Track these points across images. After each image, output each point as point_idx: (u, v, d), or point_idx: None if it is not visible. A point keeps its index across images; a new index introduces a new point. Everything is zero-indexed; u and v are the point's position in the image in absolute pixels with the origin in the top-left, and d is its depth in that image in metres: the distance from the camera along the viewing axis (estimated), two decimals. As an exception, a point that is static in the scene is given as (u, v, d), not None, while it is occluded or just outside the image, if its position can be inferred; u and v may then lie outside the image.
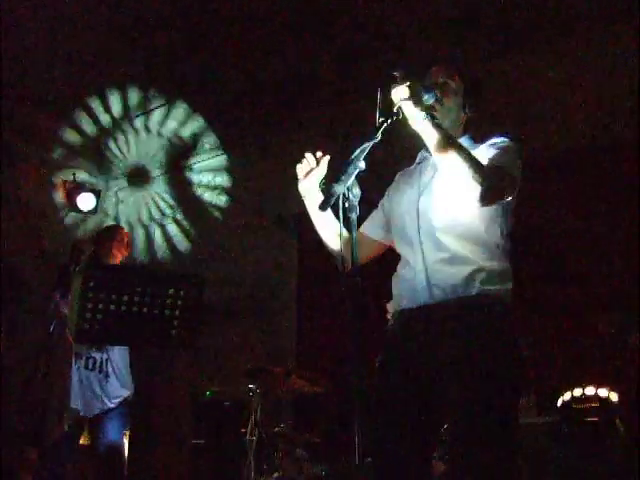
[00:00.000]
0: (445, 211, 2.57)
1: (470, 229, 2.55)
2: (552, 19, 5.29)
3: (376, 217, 2.93)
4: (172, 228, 6.74)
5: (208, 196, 6.82)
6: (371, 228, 2.92)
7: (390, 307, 2.70)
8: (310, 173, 2.79)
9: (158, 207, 6.69)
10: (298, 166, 2.83)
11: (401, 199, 2.76)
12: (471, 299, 2.47)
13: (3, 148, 6.23)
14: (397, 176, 2.94)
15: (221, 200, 6.73)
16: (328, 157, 2.78)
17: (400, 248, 2.74)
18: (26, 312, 5.93)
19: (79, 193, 6.98)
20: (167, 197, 6.75)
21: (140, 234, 6.87)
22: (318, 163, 2.78)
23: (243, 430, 4.92)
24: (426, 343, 2.49)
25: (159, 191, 6.78)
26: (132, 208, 6.93)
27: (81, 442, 4.47)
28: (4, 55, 5.45)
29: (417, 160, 2.85)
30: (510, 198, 2.58)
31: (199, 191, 6.76)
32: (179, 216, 6.55)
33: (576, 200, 5.14)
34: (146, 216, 6.80)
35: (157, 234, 6.84)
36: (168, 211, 6.48)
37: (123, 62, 5.78)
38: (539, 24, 5.34)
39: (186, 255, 6.90)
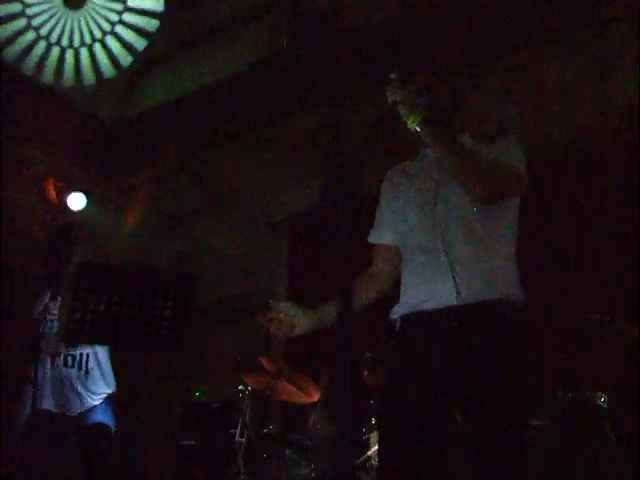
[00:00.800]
0: (464, 212, 2.56)
1: (492, 229, 2.56)
2: (552, 19, 5.31)
3: (384, 222, 2.86)
4: (113, 44, 5.97)
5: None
6: (384, 235, 2.85)
7: (397, 310, 2.67)
8: (285, 321, 2.76)
9: (97, 23, 5.91)
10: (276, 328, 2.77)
11: (409, 200, 2.72)
12: (494, 304, 2.47)
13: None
14: (391, 174, 2.89)
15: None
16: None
17: (409, 250, 2.70)
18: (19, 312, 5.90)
19: (69, 193, 6.98)
20: (106, 12, 5.89)
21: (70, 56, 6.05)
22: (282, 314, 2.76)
23: (232, 431, 4.92)
24: (449, 345, 2.47)
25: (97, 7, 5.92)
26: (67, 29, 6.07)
27: None
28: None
29: (420, 156, 2.81)
30: (517, 192, 2.60)
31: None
32: (120, 29, 5.85)
33: (575, 202, 5.13)
34: (87, 35, 6.01)
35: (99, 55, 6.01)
36: (107, 25, 5.81)
37: None
38: (539, 24, 5.36)
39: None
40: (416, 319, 2.58)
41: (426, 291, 2.56)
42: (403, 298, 2.67)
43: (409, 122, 2.49)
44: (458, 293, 2.48)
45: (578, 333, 4.53)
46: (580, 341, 4.71)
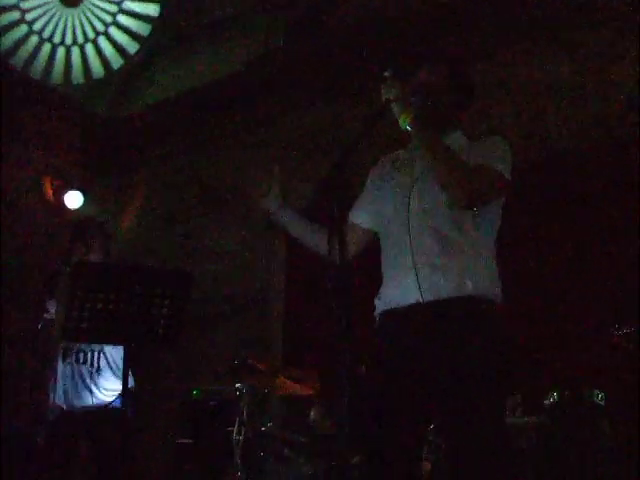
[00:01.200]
0: (436, 212, 2.58)
1: (462, 230, 2.57)
2: (550, 16, 5.31)
3: (363, 204, 2.89)
4: (105, 45, 5.80)
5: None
6: (360, 216, 2.88)
7: (378, 305, 2.70)
8: (271, 192, 2.84)
9: (91, 23, 5.75)
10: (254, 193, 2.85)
11: (390, 192, 2.74)
12: (462, 300, 2.49)
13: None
14: (383, 161, 2.91)
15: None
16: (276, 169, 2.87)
17: (385, 243, 2.74)
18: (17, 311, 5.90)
19: (66, 191, 6.99)
20: (100, 12, 5.70)
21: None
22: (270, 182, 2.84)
23: (230, 429, 4.91)
24: (417, 343, 2.50)
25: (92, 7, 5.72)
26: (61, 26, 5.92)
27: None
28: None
29: (409, 148, 2.82)
30: (498, 198, 2.60)
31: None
32: (113, 31, 5.67)
33: (571, 200, 5.12)
34: (80, 35, 5.83)
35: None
36: (100, 26, 5.64)
37: None
38: (537, 21, 5.37)
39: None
40: (390, 316, 2.63)
41: (396, 287, 2.61)
42: (382, 292, 2.71)
43: (400, 121, 2.50)
44: (420, 290, 2.51)
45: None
46: (578, 339, 4.73)
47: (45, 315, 4.22)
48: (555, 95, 5.34)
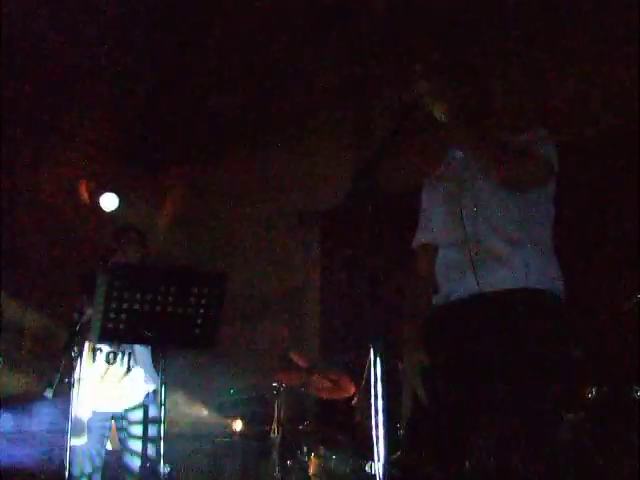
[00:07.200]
0: (489, 206, 2.59)
1: (515, 220, 2.57)
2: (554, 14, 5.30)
3: (422, 225, 2.91)
4: None
5: None
6: (425, 235, 2.88)
7: (436, 301, 2.72)
8: None
9: None
10: None
11: (438, 200, 2.78)
12: (521, 292, 2.49)
13: (25, 149, 6.29)
14: (428, 181, 2.93)
15: None
16: None
17: (442, 246, 2.76)
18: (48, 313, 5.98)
19: (101, 194, 7.06)
20: None
21: None
22: None
23: (267, 428, 4.93)
24: (476, 333, 2.51)
25: None
26: None
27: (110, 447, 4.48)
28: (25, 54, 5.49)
29: (448, 158, 2.85)
30: (544, 183, 2.61)
31: None
32: None
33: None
34: None
35: None
36: None
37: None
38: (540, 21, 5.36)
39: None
40: (447, 309, 2.65)
41: (454, 282, 2.63)
42: (439, 291, 2.73)
43: (435, 110, 2.50)
44: (478, 282, 2.52)
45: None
46: (616, 333, 4.67)
47: (84, 316, 4.26)
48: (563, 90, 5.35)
